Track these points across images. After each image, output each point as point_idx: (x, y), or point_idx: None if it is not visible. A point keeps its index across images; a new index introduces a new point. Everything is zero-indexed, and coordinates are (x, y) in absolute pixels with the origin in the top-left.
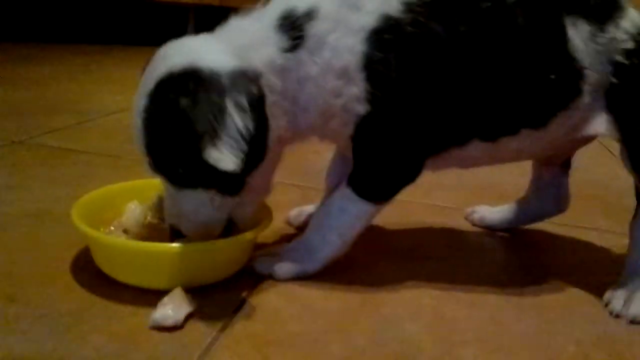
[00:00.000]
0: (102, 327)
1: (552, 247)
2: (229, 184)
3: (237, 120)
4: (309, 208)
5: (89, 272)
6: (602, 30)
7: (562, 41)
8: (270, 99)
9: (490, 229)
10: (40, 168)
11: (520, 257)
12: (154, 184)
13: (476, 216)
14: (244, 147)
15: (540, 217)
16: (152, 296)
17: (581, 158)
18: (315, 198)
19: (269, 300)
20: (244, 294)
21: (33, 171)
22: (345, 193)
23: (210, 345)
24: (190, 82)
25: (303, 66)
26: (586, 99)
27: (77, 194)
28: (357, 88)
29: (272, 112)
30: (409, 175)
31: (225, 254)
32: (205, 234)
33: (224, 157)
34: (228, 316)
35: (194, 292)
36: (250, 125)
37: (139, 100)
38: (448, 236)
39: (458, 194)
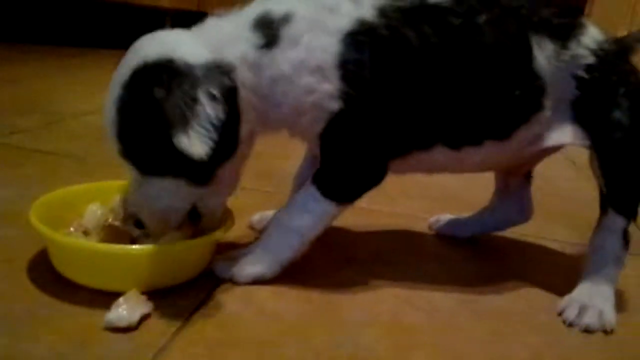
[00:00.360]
0: (55, 327)
1: (513, 257)
2: (198, 173)
3: (209, 109)
4: (271, 213)
5: (43, 272)
6: (565, 47)
7: (527, 59)
8: (242, 92)
9: (454, 237)
10: (2, 168)
11: (481, 266)
12: (116, 186)
13: (440, 224)
14: (214, 135)
15: (505, 226)
16: (108, 297)
17: (545, 171)
18: (280, 203)
19: (227, 303)
20: (201, 297)
21: None
22: (309, 191)
23: (164, 347)
24: (164, 73)
25: (276, 64)
26: (547, 112)
27: (36, 195)
28: (331, 85)
29: (244, 106)
30: (374, 178)
31: (186, 256)
32: (164, 224)
33: (194, 143)
34: (184, 318)
35: (151, 293)
36: (221, 115)
37: (113, 90)
38: (410, 243)
39: (423, 202)
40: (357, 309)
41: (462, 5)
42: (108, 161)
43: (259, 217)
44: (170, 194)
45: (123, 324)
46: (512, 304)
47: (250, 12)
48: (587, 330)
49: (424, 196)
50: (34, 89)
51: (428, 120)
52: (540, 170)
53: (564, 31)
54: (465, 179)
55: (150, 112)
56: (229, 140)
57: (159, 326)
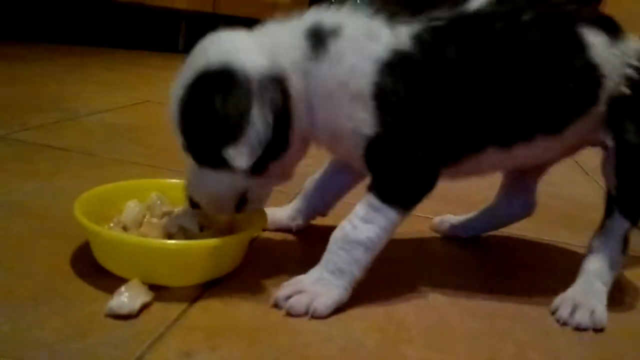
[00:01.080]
0: (60, 312)
1: (512, 257)
2: (256, 166)
3: (258, 127)
4: (276, 209)
5: (51, 260)
6: (616, 41)
7: (581, 49)
8: (295, 99)
9: (459, 237)
10: (15, 162)
11: (478, 265)
12: (153, 184)
13: (444, 226)
14: (258, 152)
15: (508, 222)
16: (111, 286)
17: (554, 174)
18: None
19: (225, 294)
20: (201, 288)
21: (8, 165)
22: (368, 202)
23: (162, 334)
24: (225, 81)
25: (323, 77)
26: (602, 107)
27: (46, 188)
28: (367, 114)
29: (296, 112)
30: (427, 184)
31: (221, 253)
32: (218, 208)
33: (238, 157)
34: (183, 307)
35: (152, 283)
36: (268, 136)
37: (177, 90)
38: (410, 241)
39: (426, 202)
40: (350, 304)
41: (504, 7)
42: (118, 158)
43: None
44: (224, 184)
45: (124, 311)
46: (505, 302)
47: (305, 21)
48: (579, 329)
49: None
50: (46, 87)
51: (477, 126)
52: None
53: (610, 27)
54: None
55: (208, 116)
56: (279, 141)
57: (159, 314)
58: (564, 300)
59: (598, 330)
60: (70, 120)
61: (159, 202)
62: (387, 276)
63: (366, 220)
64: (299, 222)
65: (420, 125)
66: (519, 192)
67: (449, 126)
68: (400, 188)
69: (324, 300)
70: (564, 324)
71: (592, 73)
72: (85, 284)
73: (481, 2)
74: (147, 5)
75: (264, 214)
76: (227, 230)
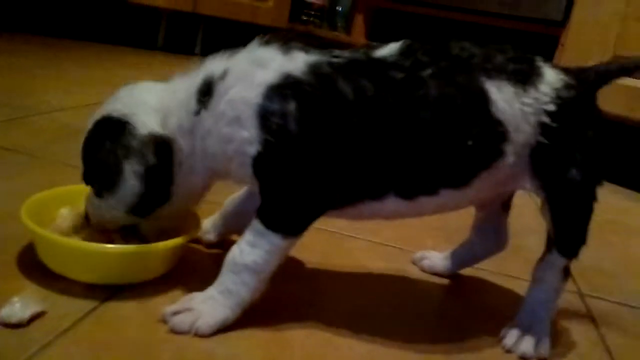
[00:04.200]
0: None
1: (465, 291)
2: (135, 210)
3: (130, 182)
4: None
5: None
6: (525, 91)
7: (482, 106)
8: (181, 157)
9: (438, 275)
10: None
11: (432, 298)
12: (83, 190)
13: (426, 263)
14: (133, 202)
15: (483, 258)
16: (5, 295)
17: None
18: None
19: (122, 308)
20: (99, 300)
21: None
22: (254, 227)
23: (47, 344)
24: (115, 131)
25: (203, 123)
26: (510, 158)
27: None
28: (248, 133)
29: (184, 169)
30: (309, 215)
31: (155, 257)
32: (108, 228)
33: (114, 206)
34: (76, 319)
35: (49, 294)
36: (141, 190)
37: (89, 123)
38: (338, 274)
39: (407, 231)
40: (240, 321)
41: (408, 60)
42: (62, 160)
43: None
44: (111, 215)
45: (13, 320)
46: (456, 332)
47: (201, 72)
48: (524, 358)
49: (408, 225)
50: (8, 80)
51: (372, 171)
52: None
53: (521, 77)
54: None
55: (98, 157)
56: (160, 193)
57: (50, 325)
58: (511, 330)
59: (542, 359)
60: (23, 118)
61: None
62: (285, 297)
63: (252, 245)
64: (210, 237)
65: (307, 155)
66: (490, 227)
67: (338, 163)
68: (280, 215)
69: (208, 319)
70: (509, 351)
71: (494, 129)
72: None
73: (389, 51)
74: (127, 2)
75: (197, 223)
76: (155, 237)
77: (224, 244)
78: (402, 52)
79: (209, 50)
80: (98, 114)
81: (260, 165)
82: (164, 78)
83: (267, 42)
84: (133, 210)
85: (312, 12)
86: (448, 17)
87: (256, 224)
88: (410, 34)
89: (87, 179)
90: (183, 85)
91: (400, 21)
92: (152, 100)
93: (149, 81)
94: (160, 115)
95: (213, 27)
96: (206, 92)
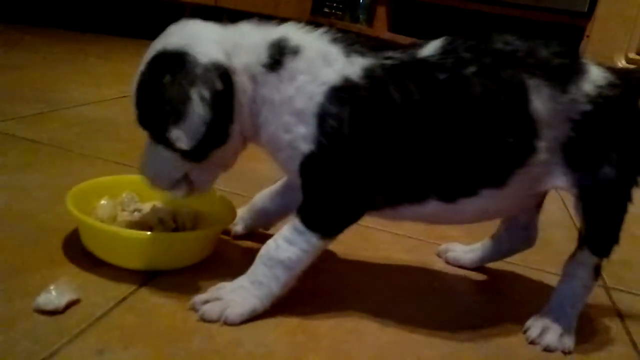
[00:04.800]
0: None
1: (490, 283)
2: (191, 153)
3: (199, 110)
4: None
5: None
6: (564, 91)
7: (521, 105)
8: (240, 97)
9: (462, 268)
10: None
11: (456, 290)
12: (122, 181)
13: (450, 255)
14: (201, 133)
15: (509, 254)
16: (46, 281)
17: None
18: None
19: (153, 296)
20: (132, 288)
21: None
22: (293, 225)
23: (82, 331)
24: (175, 63)
25: (270, 88)
26: (542, 155)
27: (8, 182)
28: (306, 129)
29: (239, 109)
30: (350, 217)
31: (191, 244)
32: (163, 184)
33: (181, 138)
34: (110, 306)
35: (84, 282)
36: (208, 116)
37: (140, 65)
38: (366, 264)
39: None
40: (268, 311)
41: (450, 58)
42: (92, 153)
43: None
44: (168, 162)
45: (50, 307)
46: (480, 322)
47: (274, 31)
48: (547, 350)
49: None
50: (35, 75)
51: (415, 174)
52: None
53: (564, 74)
54: None
55: (156, 93)
56: (219, 132)
57: (84, 312)
58: (536, 321)
59: (566, 352)
60: (52, 112)
61: (130, 199)
62: (311, 288)
63: (289, 242)
64: (239, 229)
65: (355, 156)
66: (520, 224)
67: (385, 166)
68: (323, 216)
69: (237, 308)
70: (532, 343)
71: (528, 126)
72: (22, 279)
73: (431, 50)
74: None
75: (233, 214)
76: (192, 226)
77: (251, 236)
78: (444, 51)
79: None
80: (149, 54)
81: (309, 164)
82: None
83: (335, 40)
84: (192, 152)
85: (334, 4)
86: (471, 8)
87: (296, 221)
88: (432, 26)
89: (144, 122)
90: (254, 31)
91: (423, 13)
92: (211, 34)
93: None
94: (223, 49)
95: (235, 20)
96: (277, 52)
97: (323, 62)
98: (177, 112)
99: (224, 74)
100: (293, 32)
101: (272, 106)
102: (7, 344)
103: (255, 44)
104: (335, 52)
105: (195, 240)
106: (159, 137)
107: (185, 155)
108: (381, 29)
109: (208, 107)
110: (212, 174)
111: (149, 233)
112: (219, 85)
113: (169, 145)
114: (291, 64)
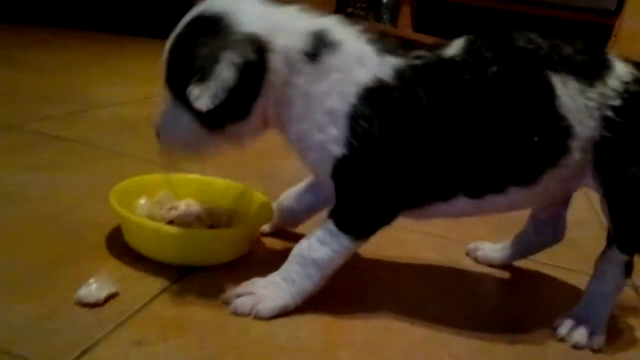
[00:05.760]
0: (34, 296)
1: (518, 282)
2: (208, 119)
3: (224, 73)
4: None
5: (39, 247)
6: (591, 85)
7: (549, 101)
8: (270, 76)
9: (491, 266)
10: (21, 152)
11: (485, 288)
12: (157, 180)
13: (480, 254)
14: (220, 96)
15: (538, 250)
16: (83, 275)
17: None
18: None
19: (189, 290)
20: (168, 282)
21: (13, 155)
22: (327, 226)
23: (121, 323)
24: (212, 26)
25: (306, 78)
26: (576, 155)
27: (44, 179)
28: (337, 131)
29: (267, 89)
30: (383, 219)
31: (231, 241)
32: (170, 151)
33: (200, 97)
34: (147, 300)
35: (123, 276)
36: (232, 82)
37: (178, 25)
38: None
39: (460, 224)
40: (302, 306)
41: (473, 58)
42: (123, 151)
43: None
44: (185, 127)
45: (90, 300)
46: (510, 320)
47: (317, 22)
48: (576, 347)
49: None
50: (66, 76)
51: (443, 175)
52: None
53: (589, 70)
54: None
55: (188, 52)
56: (241, 106)
57: (123, 305)
58: (566, 319)
59: (595, 350)
60: (83, 111)
61: (166, 198)
62: (342, 286)
63: (322, 242)
64: (265, 227)
65: (386, 158)
66: (548, 219)
67: (415, 167)
68: (356, 218)
69: (269, 303)
70: (562, 339)
71: (558, 124)
72: (63, 272)
73: (455, 50)
74: None
75: (270, 214)
76: (227, 224)
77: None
78: (468, 50)
79: None
80: (187, 17)
81: (341, 168)
82: None
83: (369, 40)
84: (209, 118)
85: (358, 4)
86: (495, 7)
87: (329, 223)
88: (457, 25)
89: (171, 80)
90: (299, 16)
91: (447, 12)
92: (255, 7)
93: None
94: (264, 24)
95: None
96: (317, 44)
97: (358, 61)
98: (202, 70)
99: (259, 47)
100: (334, 26)
101: (307, 99)
102: (49, 334)
103: (298, 29)
104: (369, 51)
105: (229, 237)
106: (182, 96)
107: (202, 120)
108: (405, 29)
109: (235, 74)
110: (224, 150)
111: (188, 230)
112: (251, 55)
113: (189, 106)
114: (329, 59)
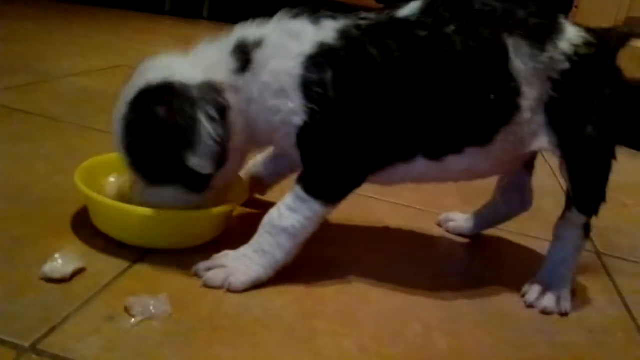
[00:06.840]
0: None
1: (486, 249)
2: (196, 183)
3: (209, 129)
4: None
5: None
6: (542, 50)
7: (502, 63)
8: (231, 112)
9: (462, 236)
10: None
11: (454, 256)
12: None
13: (451, 224)
14: (219, 151)
15: (507, 219)
16: (47, 252)
17: None
18: None
19: (157, 264)
20: (135, 257)
21: None
22: (295, 193)
23: (90, 298)
24: (165, 94)
25: (248, 87)
26: (526, 114)
27: (3, 152)
28: (293, 104)
29: (232, 124)
30: (351, 182)
31: (204, 223)
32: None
33: (202, 162)
34: (115, 274)
35: (88, 251)
36: (220, 132)
37: (120, 109)
38: (366, 229)
39: (430, 194)
40: (275, 278)
41: (430, 17)
42: (84, 123)
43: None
44: (171, 200)
45: (57, 275)
46: (479, 287)
47: (231, 39)
48: (545, 312)
49: (428, 187)
50: (25, 46)
51: (403, 132)
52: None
53: (541, 33)
54: None
55: (152, 129)
56: (222, 152)
57: (91, 280)
58: (533, 286)
59: (563, 314)
60: (42, 82)
61: None
62: (314, 256)
63: (292, 210)
64: None
65: (346, 120)
66: (514, 188)
67: (374, 127)
68: (324, 182)
69: (240, 276)
70: (531, 306)
71: (509, 85)
72: (28, 248)
73: (411, 10)
74: None
75: (245, 189)
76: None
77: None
78: (424, 11)
79: (216, 14)
80: (127, 96)
81: (305, 134)
82: (174, 41)
83: (296, 15)
84: (193, 182)
85: None
86: None
87: (298, 190)
88: None
89: (141, 165)
90: (213, 49)
91: None
92: (182, 63)
93: (164, 54)
94: (200, 71)
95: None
96: (242, 53)
97: (290, 38)
98: (187, 139)
99: (217, 91)
100: (248, 31)
101: (256, 100)
102: (17, 311)
103: (221, 57)
104: (301, 25)
105: (202, 219)
106: (161, 175)
107: (190, 187)
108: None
109: (218, 124)
110: (208, 200)
111: (157, 211)
112: (221, 100)
113: (172, 181)
114: (259, 55)
